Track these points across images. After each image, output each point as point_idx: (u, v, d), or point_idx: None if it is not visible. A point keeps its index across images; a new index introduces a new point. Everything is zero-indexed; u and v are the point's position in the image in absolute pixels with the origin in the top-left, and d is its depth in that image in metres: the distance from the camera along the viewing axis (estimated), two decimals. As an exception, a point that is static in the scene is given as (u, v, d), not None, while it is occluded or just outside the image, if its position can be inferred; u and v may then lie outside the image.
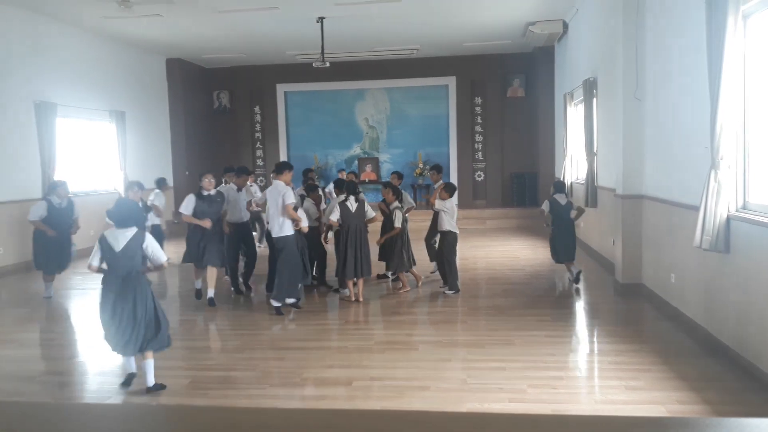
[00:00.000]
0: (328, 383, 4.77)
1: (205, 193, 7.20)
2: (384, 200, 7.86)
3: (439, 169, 8.75)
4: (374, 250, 7.58)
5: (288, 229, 6.72)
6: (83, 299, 7.97)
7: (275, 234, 6.76)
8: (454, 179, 15.08)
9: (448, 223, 7.53)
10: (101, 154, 12.40)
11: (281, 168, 6.87)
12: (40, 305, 7.70)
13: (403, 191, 8.08)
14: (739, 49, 4.70)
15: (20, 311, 7.39)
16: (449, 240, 7.55)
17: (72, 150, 11.48)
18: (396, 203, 7.69)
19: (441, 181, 8.31)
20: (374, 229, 8.02)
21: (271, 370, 5.14)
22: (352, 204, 7.21)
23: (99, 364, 5.53)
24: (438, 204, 7.53)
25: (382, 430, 1.03)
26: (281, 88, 16.38)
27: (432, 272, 8.51)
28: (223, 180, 8.32)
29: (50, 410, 1.48)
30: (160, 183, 9.46)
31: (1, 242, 9.63)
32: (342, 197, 7.40)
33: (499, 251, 10.70)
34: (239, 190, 7.81)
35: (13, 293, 8.55)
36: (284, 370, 5.16)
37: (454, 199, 7.70)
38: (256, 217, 10.27)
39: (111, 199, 12.77)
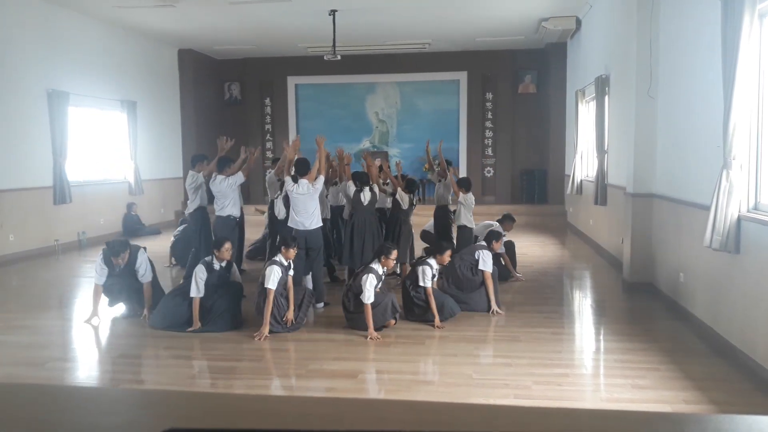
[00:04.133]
0: (334, 375, 4.78)
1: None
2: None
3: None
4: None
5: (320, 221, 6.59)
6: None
7: (311, 227, 6.43)
8: (463, 174, 15.04)
9: (465, 218, 7.66)
10: (112, 143, 12.47)
11: (305, 168, 6.52)
12: (51, 292, 7.77)
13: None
14: (755, 48, 4.65)
15: (31, 298, 7.45)
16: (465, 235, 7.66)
17: (83, 139, 11.54)
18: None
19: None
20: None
21: (276, 362, 5.16)
22: (366, 195, 7.23)
23: (109, 350, 5.58)
24: (460, 198, 7.76)
25: (394, 420, 1.03)
26: (292, 81, 16.38)
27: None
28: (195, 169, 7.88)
29: (57, 393, 1.49)
30: None
31: (12, 229, 9.70)
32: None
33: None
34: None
35: (24, 280, 8.62)
36: (290, 361, 5.18)
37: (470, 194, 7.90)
38: None
39: (121, 188, 12.81)
